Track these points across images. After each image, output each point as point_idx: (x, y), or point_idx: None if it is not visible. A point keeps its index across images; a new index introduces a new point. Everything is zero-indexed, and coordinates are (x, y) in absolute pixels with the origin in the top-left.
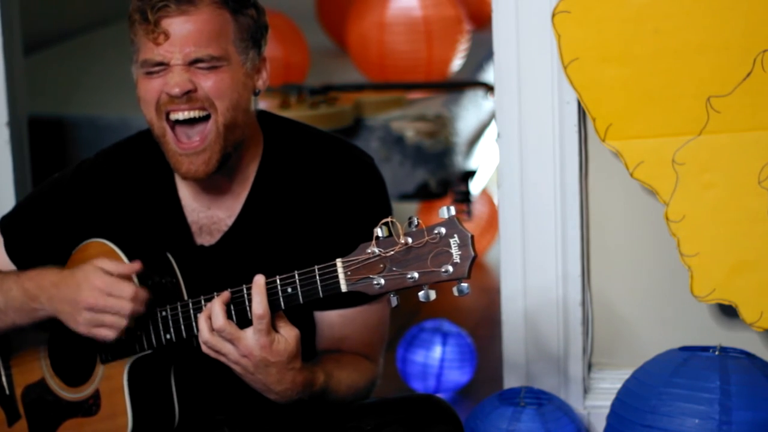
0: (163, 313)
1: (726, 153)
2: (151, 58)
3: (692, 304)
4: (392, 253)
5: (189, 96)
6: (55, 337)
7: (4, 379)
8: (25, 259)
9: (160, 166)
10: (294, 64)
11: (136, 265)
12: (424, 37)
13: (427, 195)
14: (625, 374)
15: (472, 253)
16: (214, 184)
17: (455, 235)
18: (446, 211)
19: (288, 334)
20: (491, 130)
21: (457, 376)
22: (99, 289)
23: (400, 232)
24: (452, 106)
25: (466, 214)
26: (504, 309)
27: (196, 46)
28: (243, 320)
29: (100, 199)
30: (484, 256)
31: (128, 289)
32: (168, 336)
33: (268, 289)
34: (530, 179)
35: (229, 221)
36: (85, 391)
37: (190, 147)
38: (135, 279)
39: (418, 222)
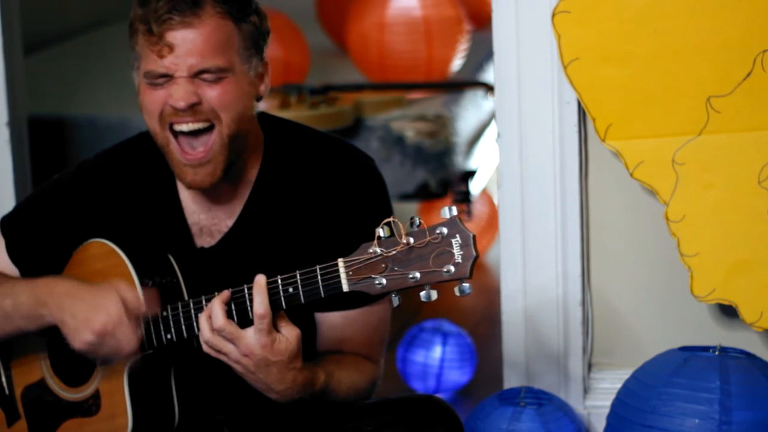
0: (164, 313)
1: (726, 153)
2: (154, 70)
3: (692, 304)
4: (394, 252)
5: (194, 109)
6: (55, 337)
7: (3, 379)
8: (25, 260)
9: (160, 167)
10: (294, 64)
11: (153, 307)
12: (424, 37)
13: (427, 195)
14: (625, 374)
15: (474, 253)
16: (215, 186)
17: (457, 235)
18: (448, 211)
19: (289, 333)
20: (491, 130)
21: (457, 376)
22: (113, 321)
23: (402, 232)
24: (452, 106)
25: (467, 214)
26: (504, 309)
27: (201, 58)
28: (244, 320)
29: (101, 199)
30: (484, 255)
31: (138, 330)
32: (169, 336)
33: (269, 289)
34: (530, 179)
35: (230, 222)
36: (84, 391)
37: (195, 158)
38: (137, 282)
39: (420, 222)
